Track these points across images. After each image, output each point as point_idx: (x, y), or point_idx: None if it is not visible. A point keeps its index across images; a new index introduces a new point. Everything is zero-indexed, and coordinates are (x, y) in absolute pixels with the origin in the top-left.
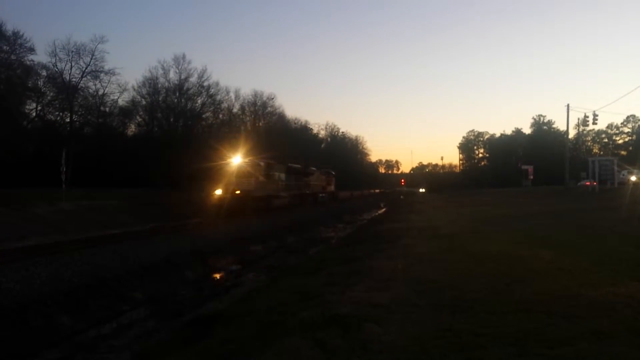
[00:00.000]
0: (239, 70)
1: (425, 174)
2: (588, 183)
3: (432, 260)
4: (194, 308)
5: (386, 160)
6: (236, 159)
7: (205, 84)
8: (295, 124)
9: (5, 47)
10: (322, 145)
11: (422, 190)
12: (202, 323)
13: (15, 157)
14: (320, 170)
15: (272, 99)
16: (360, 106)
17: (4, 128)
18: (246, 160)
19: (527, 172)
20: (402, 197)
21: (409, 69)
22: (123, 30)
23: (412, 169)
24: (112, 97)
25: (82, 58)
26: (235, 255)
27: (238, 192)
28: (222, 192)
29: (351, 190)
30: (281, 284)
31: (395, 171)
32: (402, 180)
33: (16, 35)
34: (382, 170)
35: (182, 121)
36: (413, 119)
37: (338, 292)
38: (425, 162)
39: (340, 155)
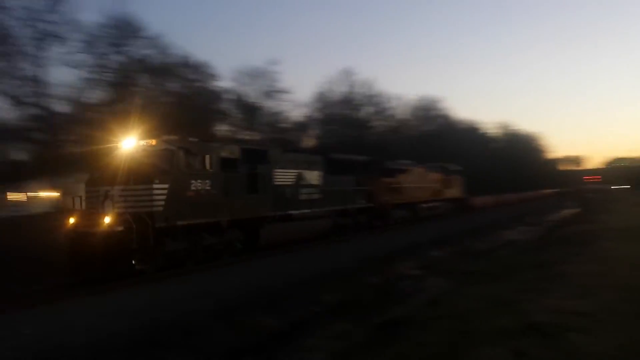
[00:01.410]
0: (405, 77)
1: (621, 169)
2: None
3: (636, 264)
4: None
5: (571, 156)
6: (129, 141)
7: (371, 93)
8: (462, 124)
9: (194, 77)
10: (493, 145)
11: (624, 186)
12: (393, 326)
13: None
14: (426, 165)
15: (438, 101)
16: (538, 102)
17: None
18: (153, 141)
19: None
20: (591, 195)
21: (595, 57)
22: (291, 50)
23: (606, 164)
24: (287, 113)
25: (259, 80)
26: None
27: (113, 220)
28: (79, 220)
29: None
30: (469, 290)
31: (583, 167)
32: (592, 177)
33: (202, 65)
34: (566, 167)
35: (352, 131)
36: (602, 111)
37: (532, 299)
38: (619, 156)
39: (513, 154)
